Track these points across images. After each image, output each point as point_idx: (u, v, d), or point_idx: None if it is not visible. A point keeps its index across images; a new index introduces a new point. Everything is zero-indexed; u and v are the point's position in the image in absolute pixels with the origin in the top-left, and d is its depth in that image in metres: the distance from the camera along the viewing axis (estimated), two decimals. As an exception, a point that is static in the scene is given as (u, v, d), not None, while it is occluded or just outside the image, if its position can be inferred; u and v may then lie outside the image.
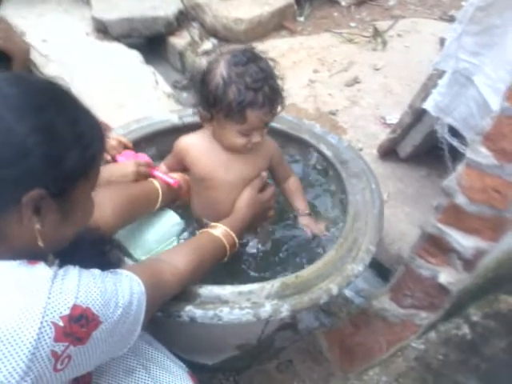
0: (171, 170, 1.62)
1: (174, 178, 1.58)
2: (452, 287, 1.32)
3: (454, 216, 1.31)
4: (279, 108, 1.42)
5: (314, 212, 1.69)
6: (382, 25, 3.64)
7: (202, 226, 1.54)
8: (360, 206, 1.53)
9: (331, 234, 1.60)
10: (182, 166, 1.58)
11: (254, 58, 1.37)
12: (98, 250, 1.09)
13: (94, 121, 0.92)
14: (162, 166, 1.63)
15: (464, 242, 1.31)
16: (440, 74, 1.84)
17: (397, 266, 1.63)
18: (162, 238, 1.54)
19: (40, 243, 0.86)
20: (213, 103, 1.37)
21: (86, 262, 0.94)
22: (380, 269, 1.98)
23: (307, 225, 1.61)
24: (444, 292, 1.34)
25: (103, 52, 3.37)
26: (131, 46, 3.49)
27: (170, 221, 1.59)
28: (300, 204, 1.65)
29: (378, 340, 1.49)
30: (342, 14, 3.94)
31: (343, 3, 3.98)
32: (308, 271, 1.33)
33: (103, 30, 3.55)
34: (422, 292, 1.40)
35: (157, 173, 1.57)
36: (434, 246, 1.38)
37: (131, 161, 1.55)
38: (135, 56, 3.35)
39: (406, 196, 2.21)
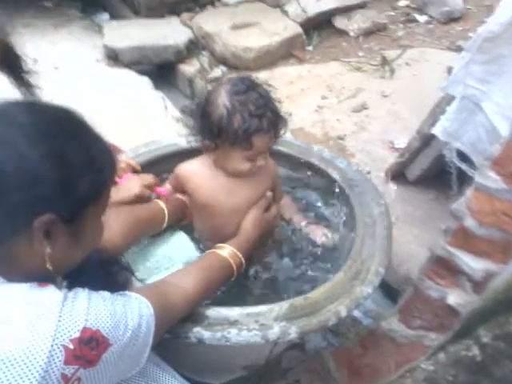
0: (175, 190, 1.63)
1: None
2: (461, 308, 1.31)
3: (464, 239, 1.31)
4: (283, 130, 1.43)
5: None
6: (390, 54, 3.69)
7: (207, 247, 1.54)
8: (369, 228, 1.54)
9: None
10: (183, 191, 1.58)
11: (252, 85, 1.39)
12: (105, 271, 1.10)
13: (106, 147, 0.93)
14: (167, 186, 1.65)
15: (473, 264, 1.30)
16: (448, 100, 1.85)
17: (405, 287, 1.61)
18: (169, 259, 1.54)
19: (49, 266, 0.87)
20: (217, 133, 1.37)
21: (93, 283, 0.94)
22: (388, 290, 1.97)
23: (313, 230, 1.65)
24: (453, 313, 1.33)
25: (113, 78, 3.45)
26: (141, 72, 3.56)
27: (179, 243, 1.59)
28: (298, 216, 1.69)
29: (387, 361, 1.47)
30: (350, 43, 3.99)
31: (352, 33, 4.03)
32: (317, 293, 1.33)
33: (114, 57, 3.63)
34: (431, 313, 1.39)
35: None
36: (443, 267, 1.37)
37: (136, 182, 1.55)
38: (145, 82, 3.42)
39: (414, 218, 2.21)
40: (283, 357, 1.70)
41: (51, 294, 0.85)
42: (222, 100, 1.35)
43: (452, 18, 4.15)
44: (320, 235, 1.64)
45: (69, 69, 3.46)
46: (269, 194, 1.57)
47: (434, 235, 1.47)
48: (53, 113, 0.89)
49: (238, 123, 1.33)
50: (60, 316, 0.82)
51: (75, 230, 0.89)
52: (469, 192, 1.28)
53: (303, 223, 1.69)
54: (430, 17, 4.22)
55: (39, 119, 0.85)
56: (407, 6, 4.38)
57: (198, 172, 1.52)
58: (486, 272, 1.28)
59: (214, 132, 1.37)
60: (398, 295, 1.68)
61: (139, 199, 1.52)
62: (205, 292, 1.24)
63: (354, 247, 1.47)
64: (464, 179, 1.74)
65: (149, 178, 1.59)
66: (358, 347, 1.60)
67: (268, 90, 1.41)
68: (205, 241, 1.61)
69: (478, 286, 1.30)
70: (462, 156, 1.82)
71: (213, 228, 1.57)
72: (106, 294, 0.94)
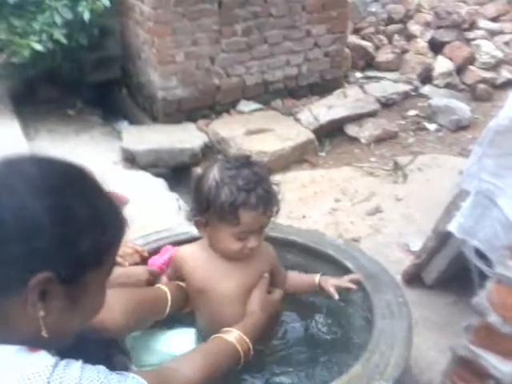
0: (172, 278, 1.59)
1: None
2: (494, 418, 1.19)
3: (488, 337, 1.22)
4: (275, 210, 1.44)
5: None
6: (401, 160, 3.73)
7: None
8: (387, 319, 1.45)
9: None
10: (181, 277, 1.55)
11: (247, 163, 1.43)
12: (103, 353, 1.03)
13: (115, 210, 0.92)
14: (163, 278, 1.61)
15: (502, 367, 1.20)
16: (463, 196, 1.83)
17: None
18: (172, 356, 1.46)
19: (44, 333, 0.81)
20: (206, 207, 1.39)
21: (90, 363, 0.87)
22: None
23: (330, 285, 1.56)
24: (484, 424, 1.20)
25: (129, 179, 3.49)
26: (158, 175, 3.61)
27: (184, 340, 1.51)
28: (309, 277, 1.63)
29: None
30: (362, 150, 4.06)
31: (363, 141, 4.11)
32: (332, 388, 1.23)
33: (131, 159, 3.71)
34: (461, 423, 1.27)
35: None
36: (468, 371, 1.27)
37: (144, 267, 1.57)
38: (160, 183, 3.46)
39: (432, 324, 2.11)
40: None
41: (41, 359, 0.80)
42: (213, 173, 1.39)
43: (461, 126, 4.24)
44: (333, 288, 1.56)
45: (86, 169, 3.54)
46: (266, 275, 1.53)
47: (455, 341, 1.38)
48: (63, 168, 0.89)
49: (224, 196, 1.35)
50: (48, 382, 0.76)
51: (73, 294, 0.84)
52: (489, 285, 1.22)
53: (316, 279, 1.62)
54: (440, 125, 4.31)
55: (47, 172, 0.84)
56: (416, 115, 4.49)
57: (193, 255, 1.52)
58: (517, 376, 1.17)
59: (203, 205, 1.40)
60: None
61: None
62: (208, 378, 1.16)
63: (371, 339, 1.39)
64: (484, 281, 1.68)
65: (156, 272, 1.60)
66: None
67: (266, 171, 1.45)
68: (207, 332, 1.52)
69: (510, 392, 1.19)
70: (481, 255, 1.76)
71: (211, 316, 1.51)
72: (100, 367, 0.88)
